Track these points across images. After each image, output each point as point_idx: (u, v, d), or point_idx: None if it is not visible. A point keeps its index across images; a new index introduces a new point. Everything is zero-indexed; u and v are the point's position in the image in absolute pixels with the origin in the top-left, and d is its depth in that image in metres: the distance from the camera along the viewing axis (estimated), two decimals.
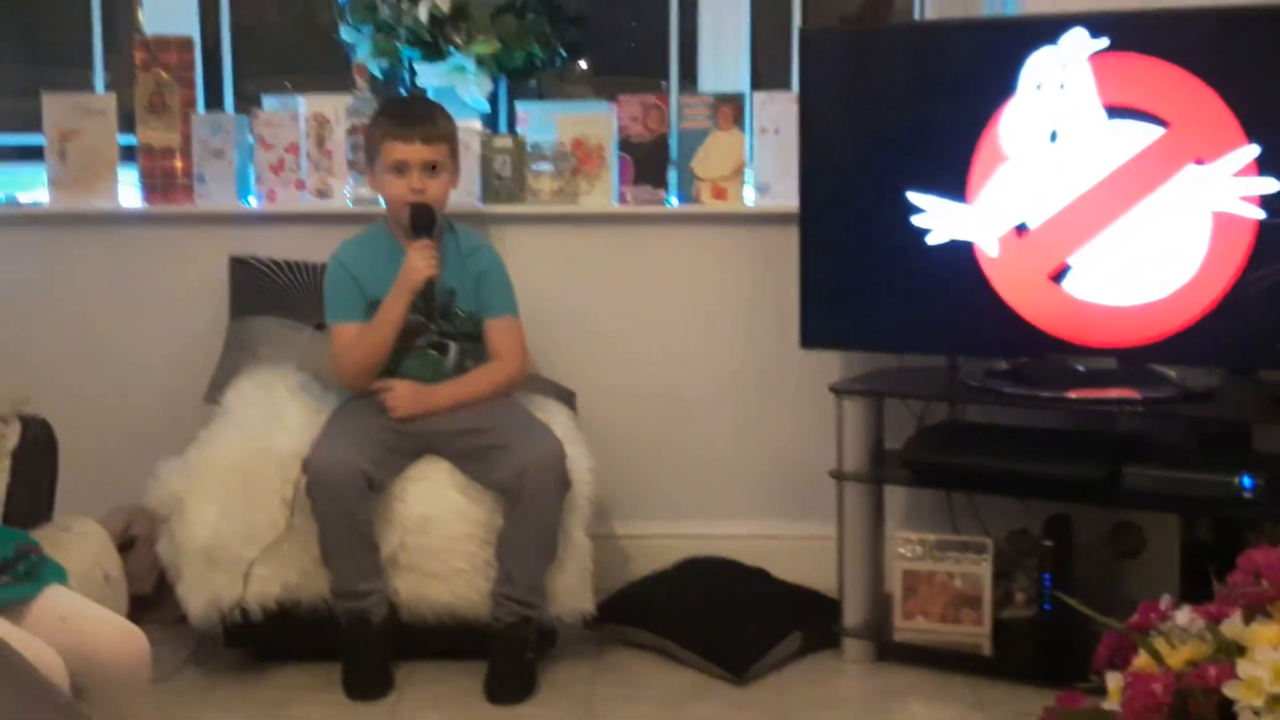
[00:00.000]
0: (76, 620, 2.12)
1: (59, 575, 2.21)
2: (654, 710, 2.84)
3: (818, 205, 3.12)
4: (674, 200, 3.46)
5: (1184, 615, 1.83)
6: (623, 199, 3.45)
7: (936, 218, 3.00)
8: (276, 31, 3.97)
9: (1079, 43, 2.85)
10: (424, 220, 2.96)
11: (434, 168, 2.98)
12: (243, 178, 3.46)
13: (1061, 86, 2.87)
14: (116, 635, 2.14)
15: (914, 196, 3.00)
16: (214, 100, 3.67)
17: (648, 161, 3.43)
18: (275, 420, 2.99)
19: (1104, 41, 2.83)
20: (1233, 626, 1.75)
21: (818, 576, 3.21)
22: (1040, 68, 2.89)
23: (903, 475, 3.07)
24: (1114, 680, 1.78)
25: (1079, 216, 2.90)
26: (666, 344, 3.49)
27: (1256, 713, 1.65)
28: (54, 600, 2.14)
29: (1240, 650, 1.71)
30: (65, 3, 3.74)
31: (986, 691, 2.88)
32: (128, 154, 3.50)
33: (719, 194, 3.43)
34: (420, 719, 2.79)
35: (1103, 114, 2.86)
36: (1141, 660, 1.79)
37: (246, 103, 3.62)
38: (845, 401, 3.05)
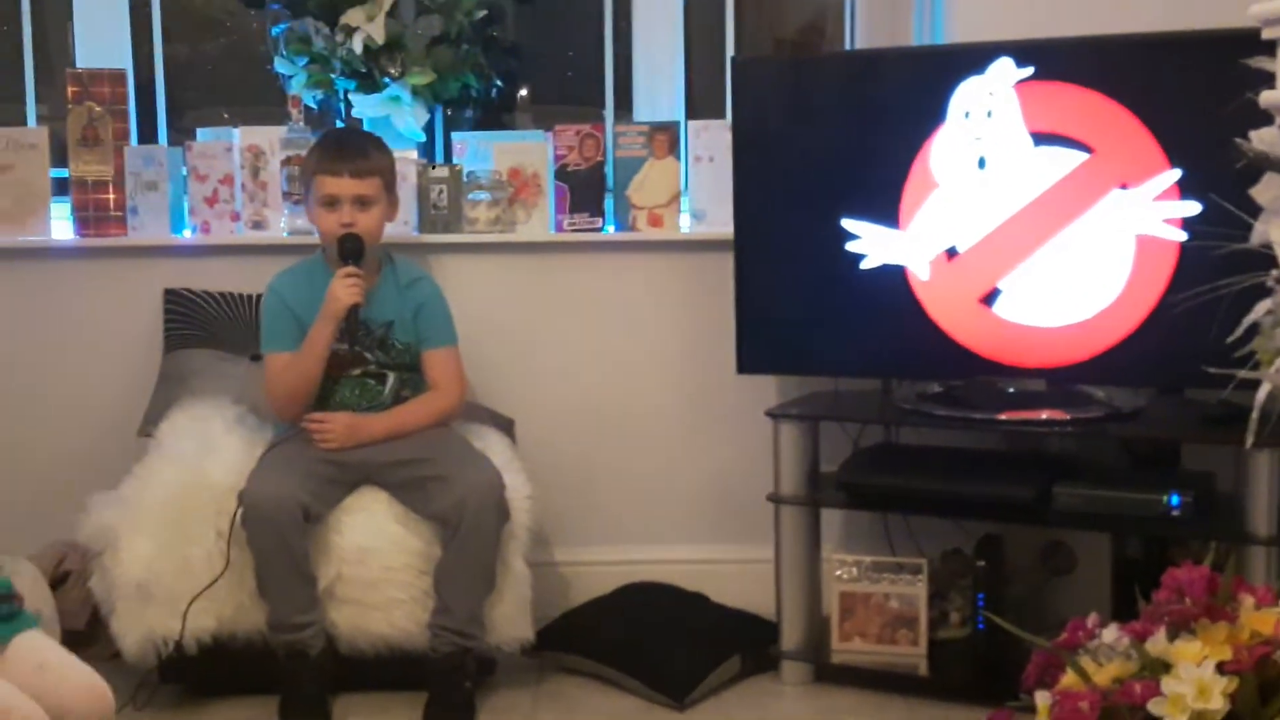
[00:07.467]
0: (51, 670, 2.09)
1: (30, 621, 2.19)
2: None
3: (752, 232, 3.15)
4: (611, 228, 3.48)
5: (1111, 633, 1.86)
6: (560, 227, 3.46)
7: (870, 243, 3.04)
8: (211, 64, 3.96)
9: (1005, 71, 2.90)
10: (351, 250, 2.97)
11: (365, 202, 2.98)
12: (176, 210, 3.44)
13: (989, 114, 2.92)
14: (85, 688, 2.12)
15: (848, 223, 3.04)
16: (148, 133, 3.65)
17: (584, 190, 3.45)
18: (210, 453, 2.97)
19: (1029, 70, 2.89)
20: (1157, 644, 1.78)
21: (756, 599, 3.23)
22: (968, 96, 2.94)
23: (838, 498, 3.10)
24: (1042, 698, 1.81)
25: (1007, 241, 2.94)
26: (604, 371, 3.50)
27: None
28: (29, 648, 2.12)
29: (1165, 667, 1.74)
30: None
31: (923, 711, 2.90)
32: (61, 187, 3.48)
33: (655, 221, 3.45)
34: None
35: (1029, 140, 2.91)
36: (1069, 678, 1.82)
37: (182, 135, 3.61)
38: (781, 425, 3.07)
